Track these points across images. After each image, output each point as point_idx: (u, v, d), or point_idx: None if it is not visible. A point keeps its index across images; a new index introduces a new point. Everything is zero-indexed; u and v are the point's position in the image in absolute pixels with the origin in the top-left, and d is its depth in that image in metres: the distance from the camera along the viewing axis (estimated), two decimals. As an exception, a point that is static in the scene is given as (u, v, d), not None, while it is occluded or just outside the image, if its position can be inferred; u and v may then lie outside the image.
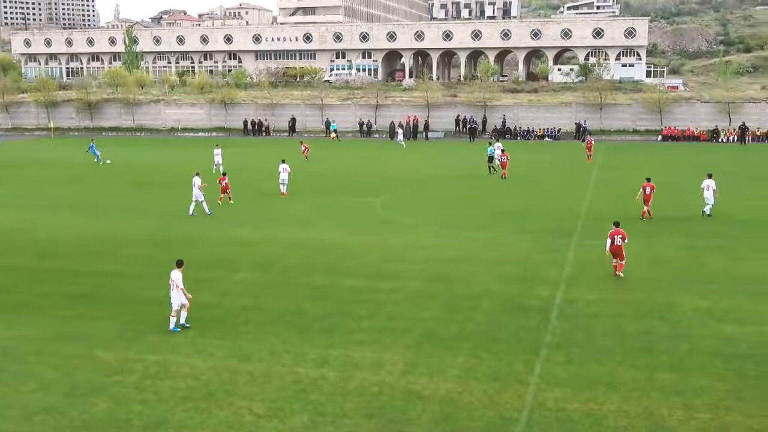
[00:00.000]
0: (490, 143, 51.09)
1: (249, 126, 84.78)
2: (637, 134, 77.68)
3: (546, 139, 77.36)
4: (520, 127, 79.75)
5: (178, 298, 18.30)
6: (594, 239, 28.12)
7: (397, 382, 15.19)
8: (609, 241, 22.94)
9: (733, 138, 73.04)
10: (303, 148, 55.61)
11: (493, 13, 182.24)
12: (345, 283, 22.55)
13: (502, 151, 47.58)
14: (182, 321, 18.58)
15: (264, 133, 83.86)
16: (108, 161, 55.80)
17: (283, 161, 40.10)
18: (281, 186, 39.01)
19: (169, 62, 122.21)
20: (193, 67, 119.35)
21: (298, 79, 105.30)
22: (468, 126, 78.98)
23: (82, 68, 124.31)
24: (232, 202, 36.59)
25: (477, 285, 22.12)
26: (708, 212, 32.23)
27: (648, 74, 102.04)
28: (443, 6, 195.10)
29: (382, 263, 25.02)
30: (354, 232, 30.02)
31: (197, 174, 34.50)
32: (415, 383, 15.13)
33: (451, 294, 21.27)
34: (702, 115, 78.14)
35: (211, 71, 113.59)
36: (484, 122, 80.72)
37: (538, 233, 29.33)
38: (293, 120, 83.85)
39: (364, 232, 29.77)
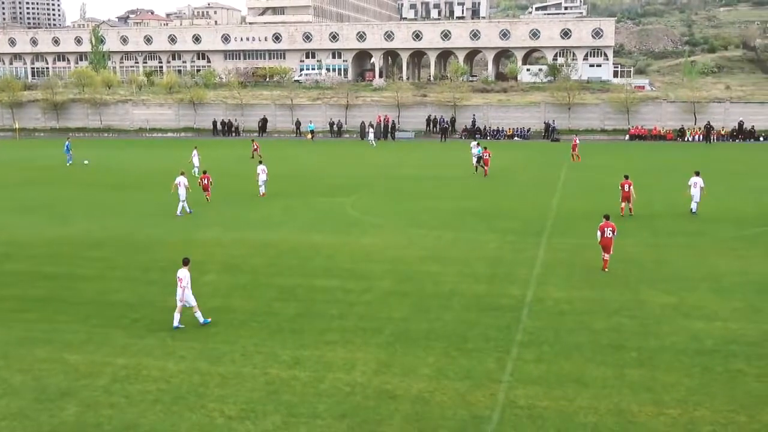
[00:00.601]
0: (478, 144, 51.75)
1: (218, 126, 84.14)
2: (605, 134, 78.49)
3: (515, 138, 77.85)
4: (490, 127, 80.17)
5: (185, 295, 18.43)
6: (563, 238, 28.44)
7: (369, 382, 15.19)
8: (599, 233, 23.32)
9: (699, 137, 74.15)
10: (254, 146, 56.92)
11: (462, 13, 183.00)
12: (315, 284, 22.48)
13: (484, 148, 48.44)
14: (200, 318, 18.73)
15: (234, 134, 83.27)
16: (86, 161, 55.07)
17: (261, 162, 40.29)
18: (260, 187, 38.88)
19: (137, 62, 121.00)
20: (161, 67, 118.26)
21: (267, 79, 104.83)
22: (440, 126, 79.26)
23: (47, 68, 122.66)
24: (209, 200, 36.60)
25: (447, 284, 22.19)
26: (694, 210, 32.80)
27: (615, 74, 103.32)
28: (413, 6, 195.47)
29: (352, 263, 24.99)
30: (324, 232, 29.94)
31: (182, 174, 34.59)
32: (387, 383, 15.14)
33: (421, 293, 21.31)
34: (668, 114, 79.25)
35: (179, 71, 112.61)
36: (454, 122, 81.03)
37: (508, 232, 29.51)
38: (264, 120, 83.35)
39: (334, 233, 29.69)
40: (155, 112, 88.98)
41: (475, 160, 48.22)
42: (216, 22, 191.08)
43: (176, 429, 13.33)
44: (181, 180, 33.86)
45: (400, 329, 18.35)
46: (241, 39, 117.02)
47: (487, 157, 46.68)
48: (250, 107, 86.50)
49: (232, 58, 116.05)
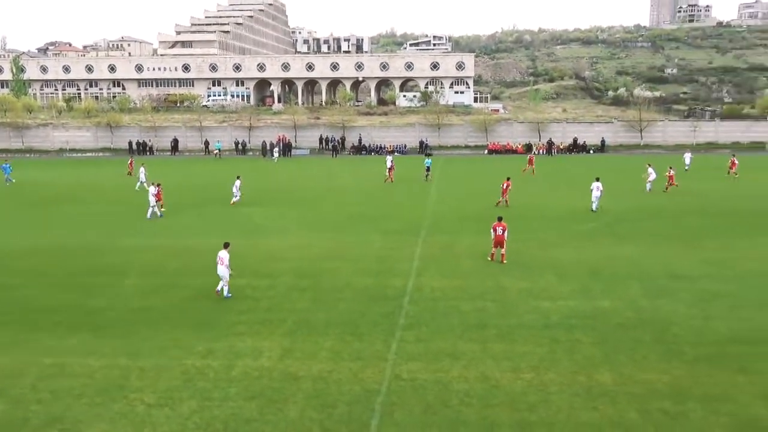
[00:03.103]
0: (427, 155, 55.34)
1: (134, 146, 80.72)
2: (468, 149, 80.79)
3: (395, 153, 78.86)
4: (374, 144, 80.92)
5: (224, 272, 19.85)
6: (437, 236, 28.99)
7: (275, 366, 14.96)
8: (492, 232, 23.81)
9: (543, 151, 77.58)
10: (129, 161, 56.66)
11: (348, 48, 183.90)
12: (226, 283, 21.93)
13: (392, 161, 50.61)
14: (226, 293, 19.99)
15: (148, 153, 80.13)
16: (12, 180, 51.34)
17: (238, 177, 40.28)
18: (234, 196, 38.89)
19: (56, 89, 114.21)
20: (80, 93, 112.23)
21: (178, 105, 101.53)
22: (331, 144, 79.27)
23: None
24: (164, 209, 35.66)
25: (341, 279, 22.17)
26: (594, 209, 34.34)
27: (475, 100, 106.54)
28: (306, 41, 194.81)
29: (258, 264, 24.54)
30: (233, 237, 29.11)
31: (152, 184, 35.27)
32: (290, 366, 14.97)
33: (319, 287, 21.19)
34: (518, 132, 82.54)
35: (96, 97, 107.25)
36: (343, 140, 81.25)
37: (391, 233, 29.82)
38: (176, 140, 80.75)
39: (242, 237, 28.98)
40: (75, 134, 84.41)
41: (426, 169, 50.21)
42: (129, 53, 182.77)
43: (100, 419, 12.67)
44: (151, 189, 34.65)
45: (301, 319, 18.18)
46: (154, 69, 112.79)
47: (392, 166, 49.15)
48: (162, 129, 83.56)
49: (146, 86, 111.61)
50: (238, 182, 39.59)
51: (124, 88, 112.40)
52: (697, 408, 12.73)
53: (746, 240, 27.39)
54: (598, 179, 35.05)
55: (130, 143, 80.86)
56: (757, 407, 12.73)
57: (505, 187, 36.61)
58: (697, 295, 19.65)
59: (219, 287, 20.27)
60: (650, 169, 42.07)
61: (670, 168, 43.41)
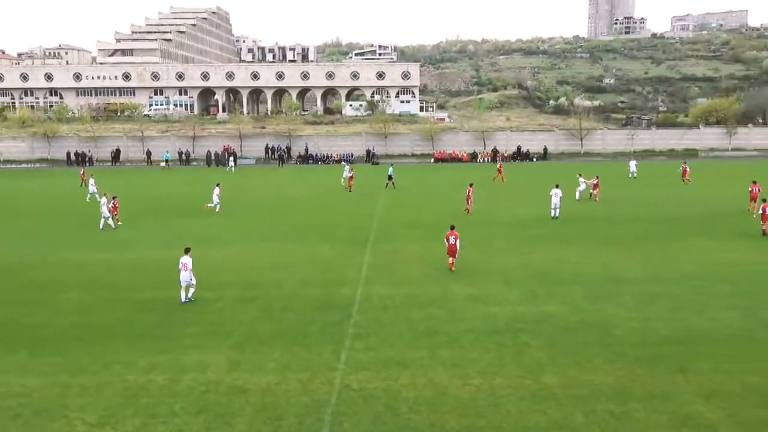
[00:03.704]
0: (391, 165, 56.75)
1: (72, 157, 78.32)
2: (414, 158, 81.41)
3: (342, 162, 78.79)
4: (321, 154, 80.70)
5: (188, 277, 20.23)
6: (384, 244, 29.03)
7: (222, 380, 14.67)
8: (446, 241, 23.80)
9: (488, 159, 78.85)
10: (82, 171, 56.03)
11: (294, 57, 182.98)
12: (170, 295, 21.32)
13: (351, 170, 51.67)
14: (190, 296, 20.36)
15: (88, 163, 77.82)
16: None
17: (218, 185, 40.35)
18: (217, 205, 39.09)
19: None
20: (14, 102, 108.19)
21: (119, 114, 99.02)
22: (277, 153, 78.69)
23: None
24: (120, 223, 34.93)
25: (288, 289, 21.95)
26: (557, 215, 34.78)
27: (421, 109, 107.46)
28: (250, 50, 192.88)
29: (204, 275, 23.93)
30: (177, 249, 28.45)
31: (104, 195, 34.75)
32: (238, 379, 14.71)
33: (266, 298, 20.92)
34: (464, 141, 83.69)
35: (32, 107, 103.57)
36: (289, 150, 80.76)
37: (339, 242, 29.72)
38: (117, 150, 78.74)
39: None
40: (9, 144, 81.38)
41: (388, 177, 51.06)
42: (67, 62, 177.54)
43: (38, 440, 12.17)
44: (103, 200, 34.09)
45: (249, 331, 17.90)
46: (93, 77, 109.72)
47: (352, 176, 50.11)
48: (103, 139, 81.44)
49: (84, 95, 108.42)
50: (217, 189, 39.87)
51: (61, 98, 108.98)
52: (639, 407, 13.09)
53: (682, 243, 28.40)
54: (557, 186, 35.79)
55: (69, 154, 78.54)
56: (696, 405, 13.17)
57: (468, 194, 37.14)
58: (638, 298, 20.24)
59: (184, 299, 20.42)
60: (581, 179, 42.77)
61: (588, 178, 43.85)
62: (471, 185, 38.02)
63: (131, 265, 25.73)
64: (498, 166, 57.97)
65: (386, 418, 12.87)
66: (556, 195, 35.22)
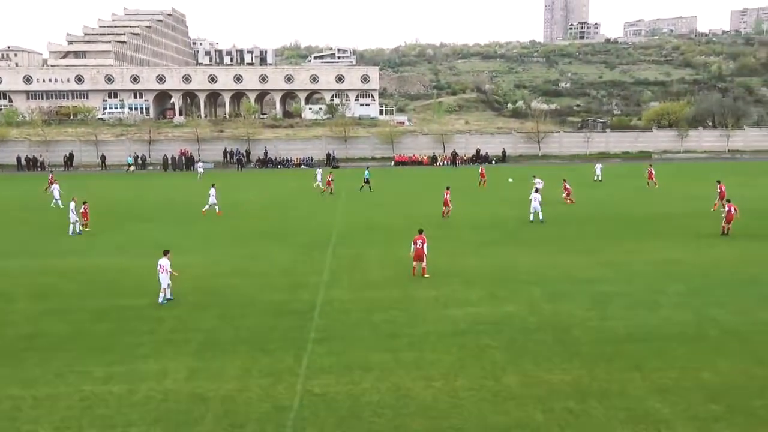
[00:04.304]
0: (367, 168, 56.89)
1: (23, 162, 76.17)
2: (374, 161, 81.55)
3: (302, 166, 78.51)
4: (280, 157, 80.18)
5: (165, 279, 20.51)
6: (345, 248, 28.99)
7: (181, 389, 14.43)
8: (412, 245, 23.47)
9: (447, 162, 79.49)
10: (50, 176, 54.39)
11: (252, 60, 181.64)
12: (125, 304, 20.88)
13: (329, 175, 51.21)
14: (168, 296, 20.74)
15: (39, 168, 75.80)
16: None
17: (213, 185, 40.69)
18: (215, 207, 39.35)
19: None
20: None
21: (72, 117, 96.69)
22: (236, 157, 77.93)
23: None
24: (88, 229, 34.21)
25: (248, 295, 21.71)
26: (541, 218, 34.75)
27: (381, 112, 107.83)
28: (207, 53, 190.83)
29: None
30: (131, 256, 28.07)
31: (73, 199, 34.29)
32: (198, 387, 14.48)
33: (225, 304, 20.65)
34: (423, 144, 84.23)
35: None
36: (248, 153, 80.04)
37: (299, 247, 29.56)
38: (71, 155, 76.86)
39: (142, 257, 27.76)
40: (-46, 149, 78.65)
41: (365, 180, 50.97)
42: (17, 64, 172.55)
43: (-12, 455, 11.79)
44: (71, 205, 33.65)
45: (208, 338, 17.64)
46: (44, 80, 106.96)
47: (330, 180, 49.59)
48: (55, 143, 79.44)
49: (35, 98, 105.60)
50: (212, 190, 39.95)
51: (10, 101, 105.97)
52: (598, 405, 13.35)
53: (636, 243, 29.10)
54: (537, 190, 36.25)
55: (19, 159, 76.34)
56: (652, 401, 13.50)
57: (445, 197, 37.02)
58: (595, 297, 20.65)
59: (161, 299, 20.66)
60: (536, 180, 43.29)
61: (533, 177, 44.71)
62: (448, 188, 38.02)
63: (82, 273, 25.08)
64: (480, 170, 56.48)
65: (349, 422, 12.84)
66: (535, 200, 35.29)
